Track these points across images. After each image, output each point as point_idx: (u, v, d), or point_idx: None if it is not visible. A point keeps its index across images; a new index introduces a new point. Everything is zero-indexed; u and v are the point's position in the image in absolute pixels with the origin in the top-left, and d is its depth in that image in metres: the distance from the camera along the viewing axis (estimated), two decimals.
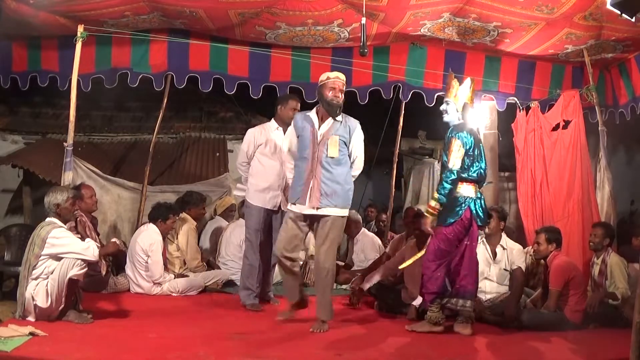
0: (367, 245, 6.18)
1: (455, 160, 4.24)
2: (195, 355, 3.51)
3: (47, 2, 4.92)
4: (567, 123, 6.09)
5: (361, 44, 4.65)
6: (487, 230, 5.05)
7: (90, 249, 4.08)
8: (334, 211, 4.23)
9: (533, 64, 6.44)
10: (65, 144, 5.29)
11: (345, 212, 4.32)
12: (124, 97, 8.11)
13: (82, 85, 5.75)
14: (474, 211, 4.29)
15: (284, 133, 4.86)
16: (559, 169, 6.05)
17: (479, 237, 5.20)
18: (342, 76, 4.34)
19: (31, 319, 4.03)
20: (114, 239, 5.27)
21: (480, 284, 5.01)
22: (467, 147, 4.30)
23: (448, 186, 4.22)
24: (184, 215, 5.99)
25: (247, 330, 4.15)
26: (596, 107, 6.07)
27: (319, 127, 4.33)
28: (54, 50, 6.07)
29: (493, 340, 4.23)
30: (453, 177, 4.24)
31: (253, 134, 5.17)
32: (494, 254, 5.04)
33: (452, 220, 4.24)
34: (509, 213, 7.21)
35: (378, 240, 6.56)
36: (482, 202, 4.38)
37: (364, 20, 4.63)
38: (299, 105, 5.04)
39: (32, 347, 3.46)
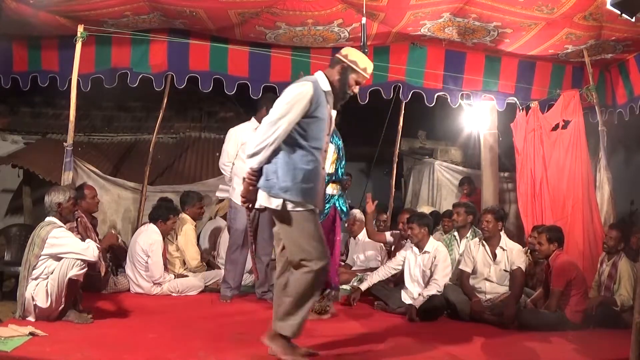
0: (368, 245, 6.17)
1: (328, 164, 4.51)
2: (195, 355, 3.51)
3: (47, 2, 4.92)
4: (566, 123, 6.10)
5: (362, 43, 4.65)
6: (485, 232, 5.07)
7: (90, 249, 4.08)
8: None
9: (533, 64, 6.44)
10: (65, 144, 5.30)
11: None
12: (124, 97, 8.11)
13: (82, 85, 5.75)
14: (339, 207, 4.72)
15: None
16: (558, 169, 6.05)
17: (478, 239, 5.23)
18: None
19: (31, 319, 4.03)
20: (111, 230, 5.27)
21: (480, 284, 5.05)
22: (339, 152, 4.64)
23: None
24: (183, 215, 5.99)
25: (247, 330, 4.14)
26: (596, 107, 6.08)
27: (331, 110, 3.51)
28: (54, 50, 6.08)
29: (493, 340, 4.23)
30: (327, 179, 4.50)
31: (235, 133, 5.27)
32: (494, 255, 5.04)
33: (323, 217, 4.50)
34: (509, 213, 7.23)
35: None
36: (343, 198, 4.85)
37: (364, 20, 4.64)
38: None
39: (32, 347, 3.46)
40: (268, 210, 3.44)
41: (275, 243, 3.61)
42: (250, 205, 3.45)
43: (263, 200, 3.36)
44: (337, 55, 3.52)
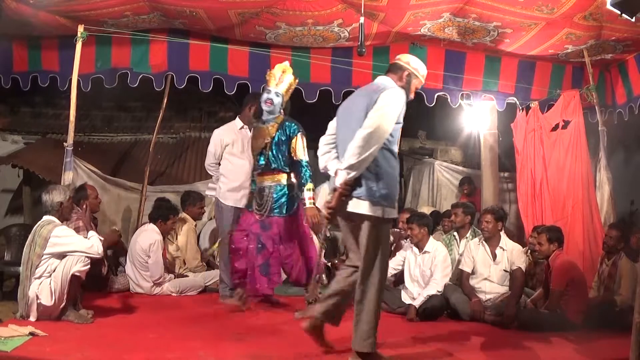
0: None
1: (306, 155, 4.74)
2: (195, 355, 3.51)
3: (47, 2, 4.93)
4: (566, 123, 6.09)
5: (359, 43, 4.65)
6: (485, 233, 5.07)
7: (94, 247, 4.10)
8: None
9: (533, 64, 6.44)
10: (65, 144, 5.30)
11: None
12: (124, 97, 8.10)
13: (82, 85, 5.76)
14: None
15: (250, 132, 4.98)
16: (558, 169, 6.05)
17: (478, 239, 5.22)
18: None
19: (32, 318, 4.04)
20: (113, 227, 5.27)
21: (480, 285, 5.05)
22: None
23: None
24: (183, 215, 5.99)
25: (247, 330, 4.15)
26: (596, 107, 6.07)
27: None
28: (55, 50, 6.08)
29: (493, 340, 4.24)
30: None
31: (220, 135, 5.31)
32: (494, 256, 5.04)
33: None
34: (509, 213, 7.22)
35: None
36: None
37: (362, 19, 4.63)
38: None
39: (32, 347, 3.46)
40: (360, 218, 3.32)
41: (357, 249, 3.44)
42: (331, 215, 3.40)
43: (365, 209, 3.27)
44: (399, 62, 3.58)
